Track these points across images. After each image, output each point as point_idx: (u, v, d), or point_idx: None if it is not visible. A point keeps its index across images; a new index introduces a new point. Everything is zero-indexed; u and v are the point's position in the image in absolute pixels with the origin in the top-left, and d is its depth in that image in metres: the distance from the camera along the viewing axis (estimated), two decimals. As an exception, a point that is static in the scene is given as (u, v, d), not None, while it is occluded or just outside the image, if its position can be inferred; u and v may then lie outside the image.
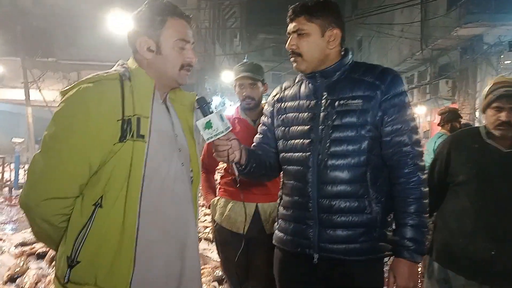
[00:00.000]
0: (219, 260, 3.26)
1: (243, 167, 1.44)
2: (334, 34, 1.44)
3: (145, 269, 1.14)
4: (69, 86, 1.18)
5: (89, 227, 1.09)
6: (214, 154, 1.37)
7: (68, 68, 12.25)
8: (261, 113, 1.80)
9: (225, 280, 2.84)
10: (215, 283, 2.90)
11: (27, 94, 11.22)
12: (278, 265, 1.55)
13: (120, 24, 6.84)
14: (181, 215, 1.27)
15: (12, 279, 2.62)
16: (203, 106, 1.31)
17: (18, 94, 12.03)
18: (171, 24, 1.24)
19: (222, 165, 2.60)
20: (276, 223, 1.59)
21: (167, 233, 1.22)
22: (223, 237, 2.18)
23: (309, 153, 1.43)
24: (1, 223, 6.44)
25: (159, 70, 1.25)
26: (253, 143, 1.65)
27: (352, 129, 1.40)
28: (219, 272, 3.04)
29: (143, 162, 1.14)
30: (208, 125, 1.29)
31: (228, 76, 14.50)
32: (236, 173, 1.44)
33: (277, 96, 1.62)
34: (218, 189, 2.32)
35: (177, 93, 1.36)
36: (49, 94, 11.99)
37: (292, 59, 1.47)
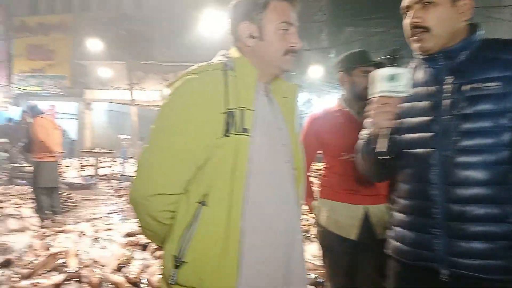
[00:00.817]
0: (313, 261, 3.14)
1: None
2: (467, 3, 1.21)
3: (250, 272, 1.05)
4: (175, 79, 1.14)
5: (195, 226, 1.04)
6: (375, 112, 1.21)
7: (166, 69, 13.12)
8: (365, 105, 1.60)
9: (323, 286, 2.70)
10: (311, 287, 2.76)
11: (132, 95, 12.24)
12: (395, 278, 1.35)
13: (214, 24, 7.06)
14: (286, 216, 1.16)
15: (119, 268, 2.80)
16: (394, 58, 1.18)
17: (123, 94, 13.23)
18: (274, 6, 1.13)
19: (315, 164, 2.43)
20: (390, 230, 1.39)
21: (272, 235, 1.11)
22: (330, 242, 2.01)
23: (432, 148, 1.22)
24: (110, 213, 7.08)
25: (262, 57, 1.15)
26: (358, 138, 1.46)
27: (487, 119, 1.15)
28: (312, 275, 2.90)
29: (246, 157, 1.05)
30: (394, 78, 1.16)
31: (316, 71, 14.22)
32: (385, 147, 1.23)
33: None
34: (320, 190, 2.16)
35: (279, 84, 1.25)
36: (150, 94, 13.01)
37: (414, 37, 1.25)
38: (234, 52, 1.18)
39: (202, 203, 1.04)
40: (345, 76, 2.02)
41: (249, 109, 1.08)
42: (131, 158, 10.34)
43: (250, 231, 1.05)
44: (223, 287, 1.03)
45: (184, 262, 1.03)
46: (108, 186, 9.62)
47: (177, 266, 1.04)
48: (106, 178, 10.45)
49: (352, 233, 1.88)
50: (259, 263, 1.07)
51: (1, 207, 5.64)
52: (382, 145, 1.23)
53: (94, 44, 12.13)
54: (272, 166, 1.13)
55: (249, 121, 1.07)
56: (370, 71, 1.93)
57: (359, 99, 1.97)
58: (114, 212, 7.15)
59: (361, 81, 1.93)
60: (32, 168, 6.00)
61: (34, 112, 5.81)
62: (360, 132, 1.45)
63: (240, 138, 1.05)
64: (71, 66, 14.06)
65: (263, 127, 1.12)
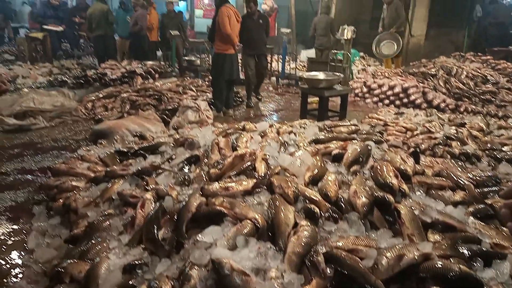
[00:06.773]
0: None
1: None
2: None
3: None
4: None
5: None
6: None
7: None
8: None
9: None
10: None
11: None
12: None
13: None
14: None
15: (313, 181, 2.37)
16: None
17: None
18: None
19: None
20: None
21: None
22: None
23: None
24: (271, 111, 6.90)
25: None
26: None
27: None
28: None
29: None
30: None
31: None
32: None
33: None
34: None
35: None
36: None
37: None
38: None
39: None
40: None
41: None
42: (291, 53, 9.84)
43: None
44: None
45: None
46: (267, 83, 9.40)
47: None
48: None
49: None
50: None
51: (181, 99, 5.88)
52: None
53: None
54: None
55: None
56: None
57: None
58: (275, 110, 6.97)
59: None
60: (210, 61, 5.93)
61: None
62: None
63: None
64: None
65: None
